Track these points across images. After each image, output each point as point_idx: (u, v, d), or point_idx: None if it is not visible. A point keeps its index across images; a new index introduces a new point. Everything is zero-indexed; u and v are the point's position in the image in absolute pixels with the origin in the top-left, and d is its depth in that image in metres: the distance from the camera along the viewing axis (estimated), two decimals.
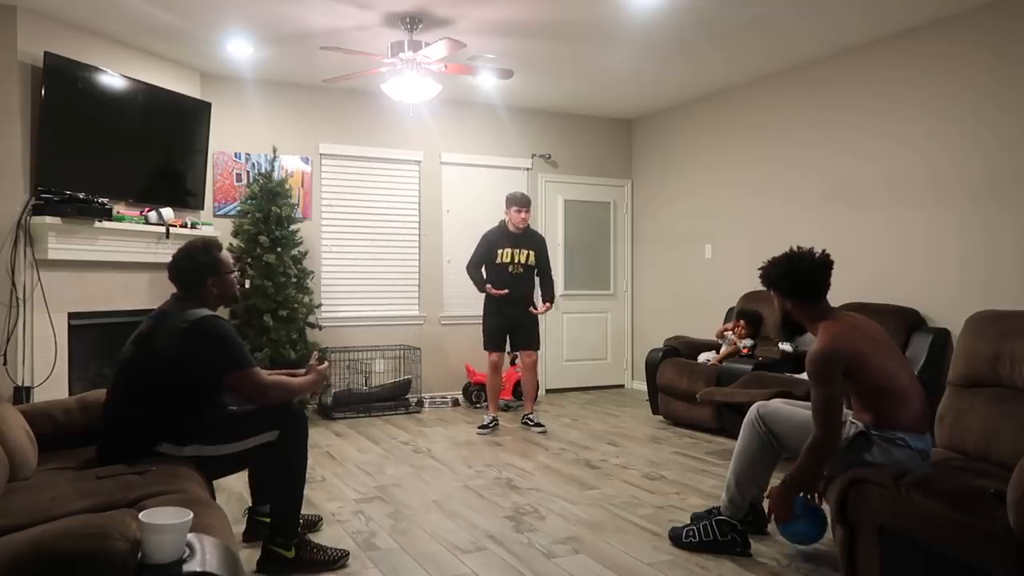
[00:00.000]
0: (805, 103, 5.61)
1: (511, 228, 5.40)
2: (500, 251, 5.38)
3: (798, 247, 2.88)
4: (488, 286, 5.35)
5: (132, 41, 5.08)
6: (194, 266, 2.76)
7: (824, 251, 2.84)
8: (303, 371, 2.97)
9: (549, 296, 5.53)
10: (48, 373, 4.42)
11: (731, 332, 5.52)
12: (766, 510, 2.86)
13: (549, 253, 5.62)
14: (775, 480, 2.97)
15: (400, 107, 6.30)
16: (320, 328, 6.09)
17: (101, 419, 2.65)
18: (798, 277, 2.79)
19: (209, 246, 2.82)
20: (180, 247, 2.83)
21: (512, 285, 5.36)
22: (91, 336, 4.81)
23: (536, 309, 5.45)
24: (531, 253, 5.42)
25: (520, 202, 5.38)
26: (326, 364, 3.04)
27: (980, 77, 4.44)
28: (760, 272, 2.92)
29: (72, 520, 1.52)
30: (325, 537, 3.12)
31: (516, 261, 5.38)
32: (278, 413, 2.69)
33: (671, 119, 7.08)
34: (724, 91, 6.37)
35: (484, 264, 5.43)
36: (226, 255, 2.86)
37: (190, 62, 5.58)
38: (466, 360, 6.63)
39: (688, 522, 3.15)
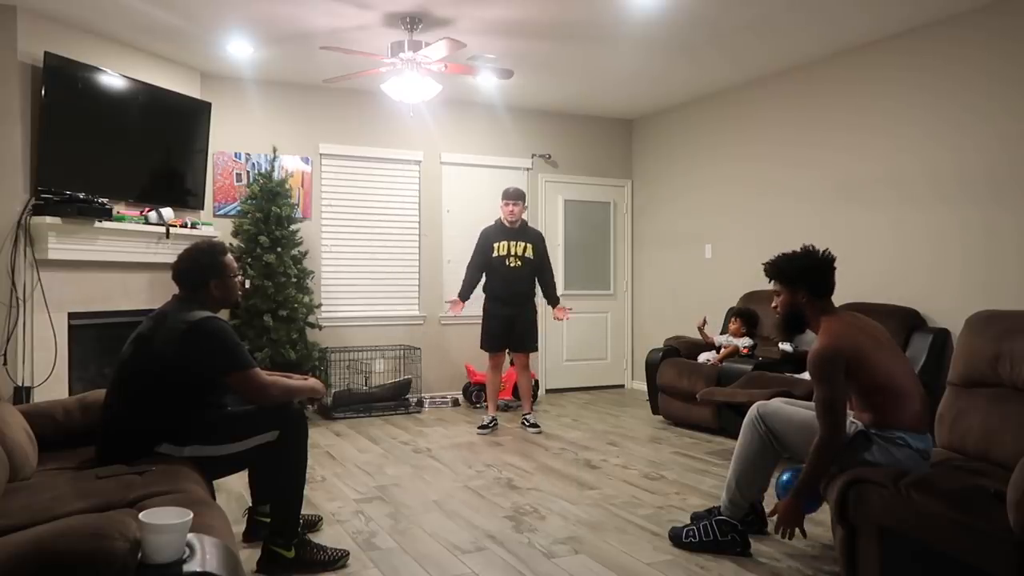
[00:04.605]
0: (805, 103, 5.61)
1: (506, 223, 5.42)
2: (496, 244, 5.39)
3: (810, 245, 2.87)
4: (454, 300, 5.40)
5: (132, 41, 5.08)
6: (197, 268, 2.77)
7: (827, 250, 2.84)
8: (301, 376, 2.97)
9: (554, 298, 5.52)
10: (48, 373, 4.42)
11: (729, 334, 5.51)
12: (773, 525, 2.83)
13: (549, 252, 5.60)
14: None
15: (400, 107, 6.30)
16: (320, 328, 6.09)
17: (101, 419, 2.65)
18: (814, 271, 2.78)
19: (214, 249, 2.83)
20: (186, 248, 2.84)
21: (511, 280, 5.36)
22: (91, 336, 4.81)
23: (562, 316, 5.48)
24: (528, 245, 5.41)
25: (509, 195, 5.40)
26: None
27: (981, 77, 4.44)
28: (769, 264, 2.87)
29: (72, 520, 1.52)
30: (325, 537, 3.12)
31: (513, 253, 5.37)
32: (278, 413, 2.69)
33: (671, 119, 7.07)
34: (724, 91, 6.37)
35: (484, 261, 5.41)
36: (230, 259, 2.87)
37: (190, 62, 5.58)
38: (466, 360, 6.62)
39: (688, 522, 3.15)
